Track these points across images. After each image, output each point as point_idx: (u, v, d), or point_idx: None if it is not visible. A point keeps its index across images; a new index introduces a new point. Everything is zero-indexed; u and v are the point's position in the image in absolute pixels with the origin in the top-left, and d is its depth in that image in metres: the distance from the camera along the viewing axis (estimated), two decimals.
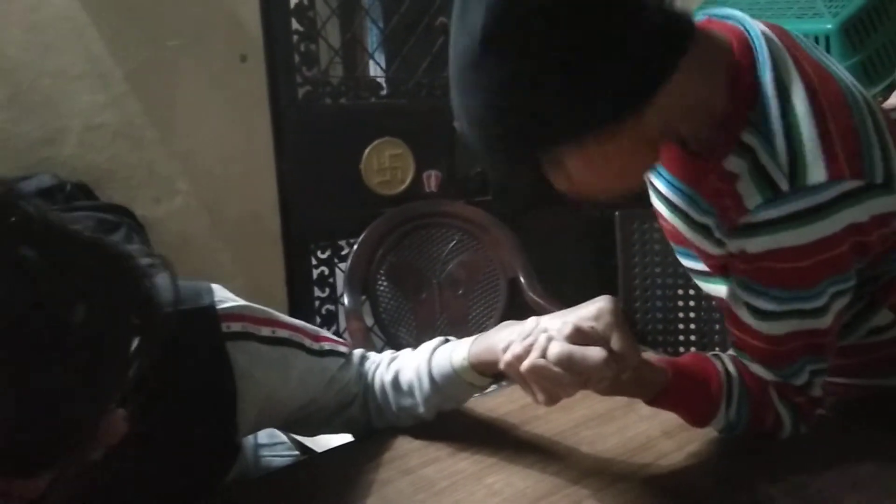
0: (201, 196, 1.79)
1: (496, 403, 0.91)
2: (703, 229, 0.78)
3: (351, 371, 0.85)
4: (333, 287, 2.08)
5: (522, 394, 0.71)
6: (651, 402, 0.76)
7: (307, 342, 0.80)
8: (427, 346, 0.84)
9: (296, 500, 0.73)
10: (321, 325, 2.09)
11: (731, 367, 0.77)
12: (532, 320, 0.72)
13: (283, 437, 1.01)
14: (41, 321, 0.43)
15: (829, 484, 0.71)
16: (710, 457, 0.77)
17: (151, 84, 1.71)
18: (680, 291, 1.83)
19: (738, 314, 0.76)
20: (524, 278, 1.92)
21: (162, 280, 0.68)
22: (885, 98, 1.60)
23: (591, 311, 0.68)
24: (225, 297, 0.73)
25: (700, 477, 0.74)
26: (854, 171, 0.66)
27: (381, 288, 1.94)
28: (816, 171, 0.66)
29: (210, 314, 0.70)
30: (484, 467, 0.78)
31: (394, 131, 2.04)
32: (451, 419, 0.87)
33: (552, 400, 0.68)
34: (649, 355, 0.76)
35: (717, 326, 1.75)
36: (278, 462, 0.95)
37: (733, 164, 0.71)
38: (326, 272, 2.07)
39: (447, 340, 0.84)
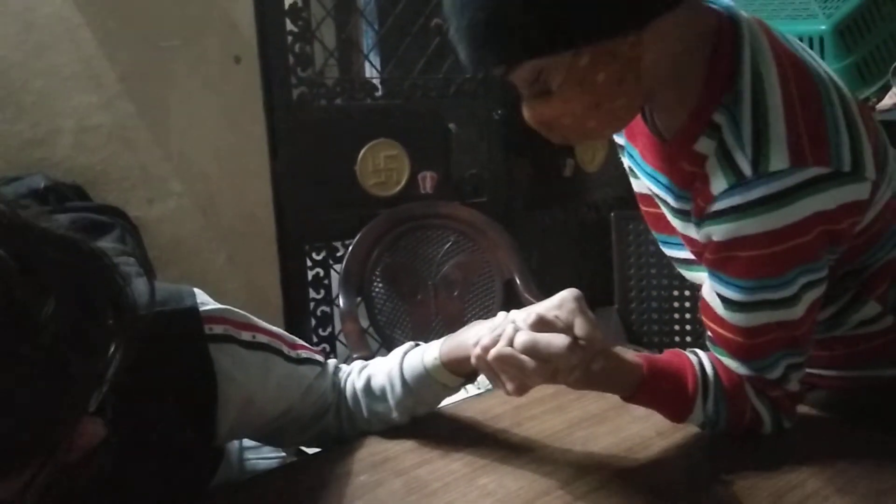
0: (195, 197, 1.79)
1: (489, 405, 0.90)
2: (684, 215, 0.78)
3: (326, 380, 0.85)
4: (329, 289, 2.08)
5: None
6: (628, 398, 0.76)
7: (285, 349, 0.80)
8: (398, 351, 0.84)
9: (286, 501, 0.73)
10: (316, 327, 2.09)
11: (706, 362, 0.77)
12: (501, 315, 0.73)
13: None
14: (9, 317, 0.42)
15: (823, 484, 0.71)
16: (703, 458, 0.77)
17: (145, 85, 1.70)
18: (675, 293, 1.83)
19: (711, 306, 0.76)
20: (520, 279, 1.92)
21: (141, 282, 0.67)
22: (880, 99, 1.61)
23: (555, 301, 0.69)
24: (206, 301, 0.73)
25: (694, 478, 0.74)
26: (818, 159, 0.66)
27: (377, 289, 1.94)
28: (780, 157, 0.66)
29: (193, 316, 0.70)
30: (477, 468, 0.77)
31: (389, 132, 2.04)
32: (443, 420, 0.87)
33: (521, 389, 0.69)
34: (628, 352, 0.76)
35: None
36: (264, 465, 0.95)
37: (703, 144, 0.71)
38: (321, 273, 2.06)
39: (417, 345, 0.84)
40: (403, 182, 2.08)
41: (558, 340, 0.66)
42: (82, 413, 0.49)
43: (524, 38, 0.66)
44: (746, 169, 0.67)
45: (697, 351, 0.79)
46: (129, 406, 0.59)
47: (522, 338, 0.67)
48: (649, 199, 0.87)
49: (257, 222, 1.90)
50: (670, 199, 0.79)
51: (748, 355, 0.75)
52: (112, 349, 0.51)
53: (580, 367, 0.67)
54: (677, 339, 1.82)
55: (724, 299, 0.73)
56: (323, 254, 2.06)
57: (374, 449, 0.82)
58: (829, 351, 0.83)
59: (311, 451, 0.90)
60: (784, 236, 0.67)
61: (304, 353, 0.83)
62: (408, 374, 0.81)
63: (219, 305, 0.74)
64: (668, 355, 0.78)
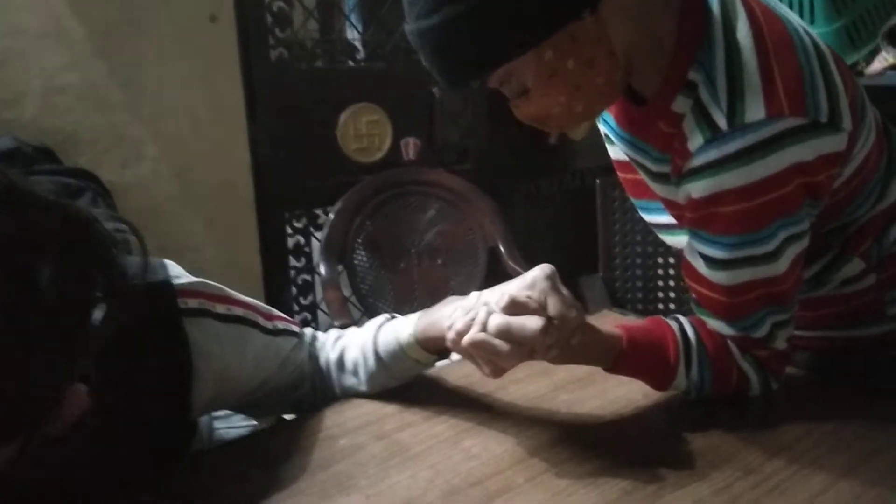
0: (170, 161, 1.74)
1: (473, 368, 0.87)
2: (663, 178, 0.77)
3: (303, 351, 0.84)
4: (309, 257, 2.04)
5: None
6: (609, 369, 0.75)
7: (261, 321, 0.78)
8: (372, 324, 0.82)
9: (263, 467, 0.70)
10: (297, 296, 2.05)
11: (688, 328, 0.76)
12: (474, 295, 0.71)
13: None
14: (10, 282, 0.42)
15: (813, 444, 0.70)
16: (690, 419, 0.75)
17: (117, 44, 1.64)
18: (660, 259, 1.82)
19: (694, 266, 0.75)
20: (504, 247, 1.90)
21: (126, 249, 0.65)
22: (869, 63, 1.59)
23: (527, 280, 0.67)
24: (179, 273, 0.71)
25: (680, 439, 0.73)
26: (794, 109, 0.64)
27: (359, 258, 1.91)
28: (755, 109, 0.64)
29: (167, 290, 0.68)
30: (461, 431, 0.75)
31: (371, 96, 1.98)
32: (426, 384, 0.85)
33: (497, 372, 0.68)
34: (610, 317, 0.75)
35: None
36: (235, 434, 0.93)
37: (680, 104, 0.70)
38: (302, 241, 2.02)
39: (392, 317, 0.83)
40: (386, 148, 2.04)
41: (532, 323, 0.65)
42: (72, 383, 0.49)
43: (477, 56, 0.66)
44: (722, 122, 0.66)
45: (679, 317, 0.78)
46: (108, 378, 0.59)
47: (495, 321, 0.65)
48: (627, 165, 0.86)
49: (235, 188, 1.85)
50: (649, 164, 0.78)
51: (733, 315, 0.74)
52: (103, 318, 0.51)
53: (557, 346, 0.66)
54: (661, 305, 1.82)
55: (706, 258, 0.72)
56: (303, 221, 2.02)
57: (354, 413, 0.80)
58: (814, 311, 0.82)
59: (288, 416, 0.87)
60: (762, 189, 0.66)
61: (280, 325, 0.81)
62: (381, 349, 0.79)
63: (192, 278, 0.72)
64: (648, 323, 0.77)
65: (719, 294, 0.73)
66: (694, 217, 0.71)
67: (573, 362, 0.74)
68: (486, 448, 0.72)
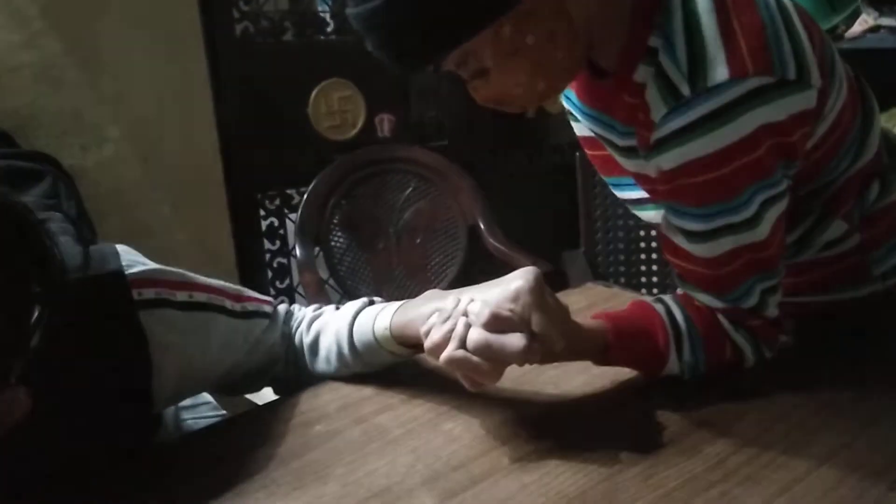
0: (134, 143, 1.66)
1: None
2: (631, 152, 0.74)
3: (276, 332, 0.80)
4: (284, 239, 1.99)
5: None
6: (598, 363, 0.72)
7: (228, 304, 0.74)
8: (350, 309, 0.79)
9: (234, 457, 0.66)
10: (273, 280, 2.00)
11: (675, 310, 0.73)
12: (452, 298, 0.67)
13: (206, 396, 0.95)
14: None
15: (809, 414, 0.68)
16: (680, 394, 0.72)
17: (72, 20, 1.56)
18: (642, 233, 1.80)
19: (674, 241, 0.72)
20: (484, 225, 1.86)
21: (69, 241, 0.62)
22: (849, 27, 1.56)
23: (509, 292, 0.64)
24: (133, 261, 0.66)
25: (671, 414, 0.70)
26: (759, 67, 0.61)
27: (336, 239, 1.86)
28: (717, 70, 0.61)
29: (119, 281, 0.63)
30: (442, 413, 0.72)
31: (342, 72, 1.92)
32: (405, 366, 0.81)
33: (476, 386, 0.66)
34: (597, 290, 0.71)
35: None
36: (204, 424, 0.89)
37: (641, 73, 0.67)
38: (276, 223, 1.97)
39: (371, 302, 0.79)
40: (359, 125, 1.98)
41: (513, 342, 0.62)
42: (7, 385, 0.47)
43: (431, 38, 0.63)
44: (684, 88, 0.62)
45: (665, 298, 0.75)
46: (56, 377, 0.56)
47: (474, 338, 0.62)
48: (593, 141, 0.83)
49: (204, 170, 1.78)
50: (615, 138, 0.75)
51: (720, 287, 0.71)
52: (37, 314, 0.48)
53: (546, 352, 0.64)
54: (644, 279, 1.80)
55: (684, 232, 0.69)
56: (277, 202, 1.96)
57: (331, 397, 0.76)
58: (798, 276, 0.80)
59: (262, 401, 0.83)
60: (733, 154, 0.63)
61: (250, 306, 0.77)
62: (357, 338, 0.76)
63: (148, 265, 0.67)
64: (634, 311, 0.74)
65: (703, 267, 0.70)
66: (667, 189, 0.68)
67: (557, 361, 0.71)
68: (469, 430, 0.69)
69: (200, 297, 0.70)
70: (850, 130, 0.74)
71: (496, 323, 0.62)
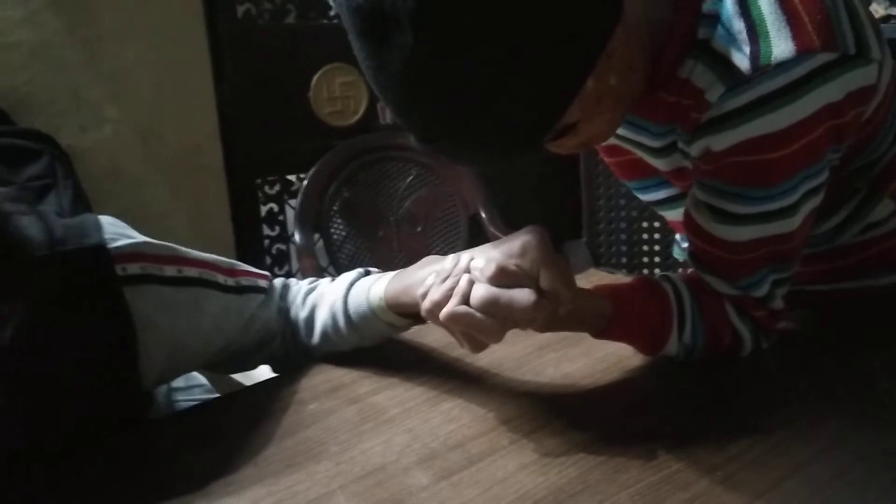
0: (133, 124, 1.65)
1: None
2: (666, 151, 0.71)
3: (271, 308, 0.77)
4: (284, 225, 1.97)
5: None
6: (598, 335, 0.70)
7: (221, 279, 0.70)
8: (345, 280, 0.76)
9: (225, 434, 0.65)
10: (272, 266, 1.99)
11: (682, 288, 0.70)
12: (451, 258, 0.63)
13: (200, 378, 0.92)
14: None
15: (813, 401, 0.66)
16: (681, 378, 0.71)
17: None
18: (645, 224, 1.78)
19: (697, 220, 0.69)
20: (485, 214, 1.84)
21: (30, 220, 0.58)
22: None
23: (516, 247, 0.60)
24: (118, 234, 0.62)
25: (673, 398, 0.68)
26: (825, 43, 0.58)
27: (336, 226, 1.85)
28: (782, 46, 0.58)
29: (101, 255, 0.59)
30: (440, 393, 0.70)
31: (345, 56, 1.87)
32: (403, 346, 0.80)
33: (478, 348, 0.62)
34: (599, 276, 0.69)
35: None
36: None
37: (687, 67, 0.63)
38: (276, 209, 1.95)
39: (367, 272, 0.76)
40: (361, 111, 1.96)
41: (522, 297, 0.58)
42: None
43: (527, 131, 0.57)
44: (745, 65, 0.59)
45: (673, 277, 0.72)
46: (38, 362, 0.54)
47: (480, 293, 0.58)
48: (616, 148, 0.80)
49: (203, 153, 1.77)
50: (646, 140, 0.73)
51: (735, 273, 0.69)
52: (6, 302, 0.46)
53: (545, 318, 0.60)
54: (645, 270, 1.78)
55: (715, 211, 0.66)
56: (277, 188, 1.94)
57: (326, 377, 0.74)
58: (829, 263, 0.78)
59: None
60: (792, 136, 0.60)
61: (244, 281, 0.74)
62: (352, 309, 0.73)
63: (134, 238, 0.63)
64: (639, 284, 0.71)
65: (723, 251, 0.68)
66: (710, 168, 0.65)
67: (559, 330, 0.68)
68: (468, 410, 0.67)
69: (191, 271, 0.67)
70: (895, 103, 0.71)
71: (503, 277, 0.58)
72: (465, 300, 0.59)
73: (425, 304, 0.61)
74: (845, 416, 0.63)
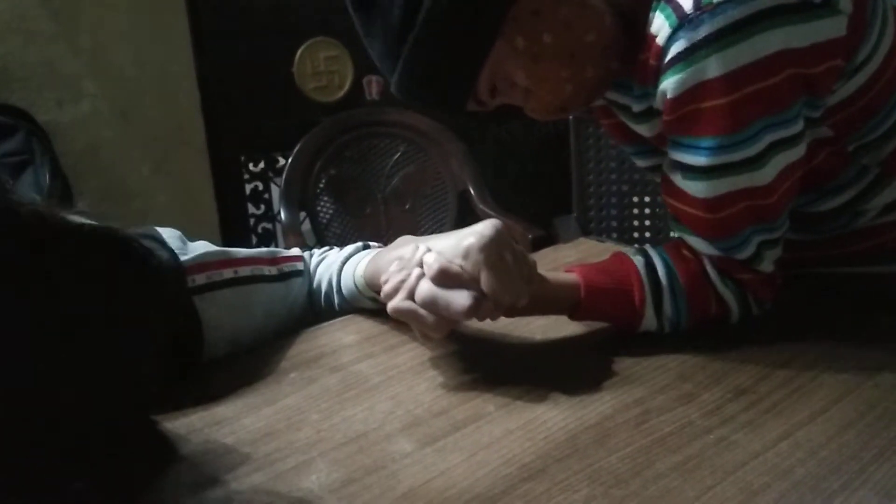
0: (112, 100, 1.61)
1: None
2: (647, 115, 0.70)
3: (307, 285, 0.81)
4: (269, 203, 1.94)
5: None
6: (571, 317, 0.70)
7: (266, 270, 0.75)
8: (342, 255, 0.79)
9: (202, 403, 0.62)
10: (257, 245, 1.95)
11: (657, 262, 0.69)
12: (411, 247, 0.65)
13: None
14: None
15: (808, 364, 0.64)
16: (674, 341, 0.69)
17: None
18: (635, 199, 1.76)
19: (672, 179, 0.68)
20: (474, 190, 1.82)
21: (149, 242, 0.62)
22: None
23: (461, 248, 0.62)
24: (180, 248, 0.68)
25: (665, 361, 0.66)
26: None
27: (322, 204, 1.82)
28: None
29: (178, 275, 0.65)
30: (425, 361, 0.68)
31: (329, 30, 1.86)
32: (387, 315, 0.77)
33: (426, 339, 0.65)
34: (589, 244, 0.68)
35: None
36: None
37: (657, 22, 0.62)
38: (261, 187, 1.92)
39: (367, 247, 0.79)
40: (347, 86, 1.93)
41: (459, 299, 0.60)
42: None
43: (458, 59, 0.63)
44: (687, 4, 0.59)
45: (647, 249, 0.71)
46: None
47: (422, 292, 0.61)
48: (606, 110, 0.80)
49: (185, 129, 1.73)
50: (631, 103, 0.71)
51: (715, 232, 0.67)
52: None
53: (496, 314, 0.63)
54: (636, 246, 1.76)
55: (683, 167, 0.65)
56: (261, 165, 1.91)
57: (307, 346, 0.72)
58: (846, 248, 0.76)
59: None
60: (743, 78, 0.58)
61: (286, 267, 0.78)
62: (343, 284, 0.76)
63: (195, 251, 0.69)
64: (611, 265, 0.70)
65: (699, 209, 0.66)
66: (671, 120, 0.64)
67: (528, 315, 0.69)
68: (454, 377, 0.65)
69: (244, 270, 0.72)
70: None
71: (444, 278, 0.60)
72: (412, 295, 0.61)
73: (381, 294, 0.65)
74: (843, 377, 0.62)
